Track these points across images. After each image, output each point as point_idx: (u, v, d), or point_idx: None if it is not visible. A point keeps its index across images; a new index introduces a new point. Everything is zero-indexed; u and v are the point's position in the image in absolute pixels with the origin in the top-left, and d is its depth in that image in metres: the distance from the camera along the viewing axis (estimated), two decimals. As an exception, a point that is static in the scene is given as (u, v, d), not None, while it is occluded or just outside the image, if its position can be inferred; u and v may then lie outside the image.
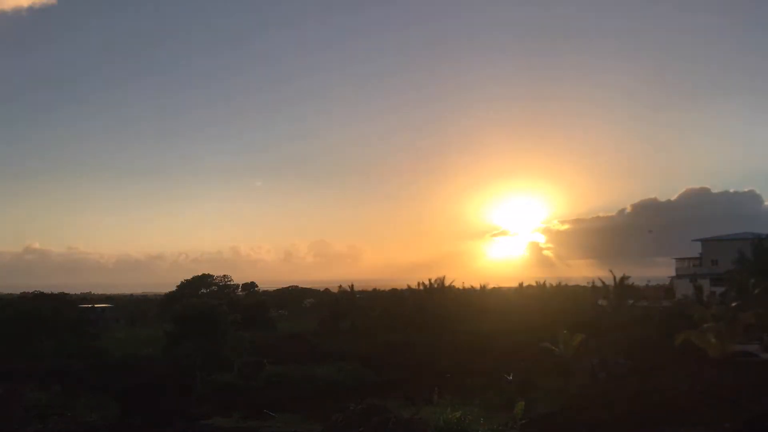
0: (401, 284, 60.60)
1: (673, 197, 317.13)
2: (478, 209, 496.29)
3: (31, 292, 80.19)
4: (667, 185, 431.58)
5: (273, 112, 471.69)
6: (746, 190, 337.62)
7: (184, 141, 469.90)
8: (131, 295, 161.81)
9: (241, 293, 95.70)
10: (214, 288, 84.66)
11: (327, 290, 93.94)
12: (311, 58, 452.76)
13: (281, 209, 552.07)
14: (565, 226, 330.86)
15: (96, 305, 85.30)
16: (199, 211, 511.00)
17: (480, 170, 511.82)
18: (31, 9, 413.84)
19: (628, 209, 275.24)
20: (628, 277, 38.04)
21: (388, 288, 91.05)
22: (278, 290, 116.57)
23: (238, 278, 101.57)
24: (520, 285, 57.20)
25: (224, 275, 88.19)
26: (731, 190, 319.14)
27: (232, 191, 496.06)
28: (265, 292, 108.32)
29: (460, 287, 59.49)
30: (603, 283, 39.09)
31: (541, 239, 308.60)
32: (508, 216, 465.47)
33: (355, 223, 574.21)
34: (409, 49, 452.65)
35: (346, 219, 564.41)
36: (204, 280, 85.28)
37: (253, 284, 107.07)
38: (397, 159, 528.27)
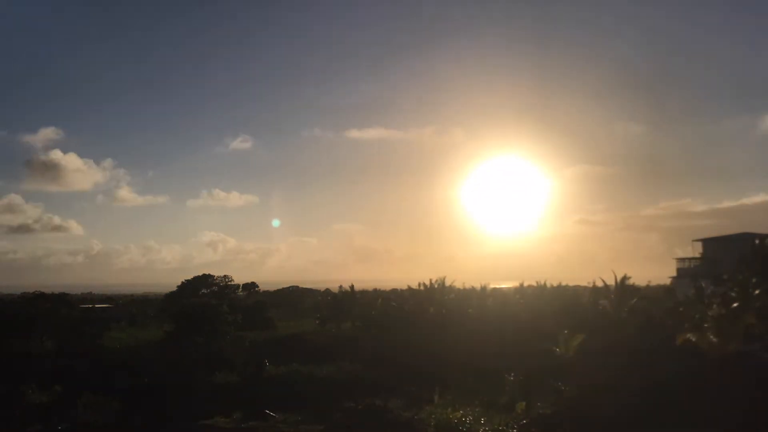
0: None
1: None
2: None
3: (31, 292, 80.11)
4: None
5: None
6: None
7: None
8: (131, 295, 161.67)
9: (241, 293, 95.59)
10: (215, 288, 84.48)
11: (327, 290, 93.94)
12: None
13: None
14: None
15: (96, 305, 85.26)
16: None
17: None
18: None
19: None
20: (629, 277, 37.90)
21: (389, 288, 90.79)
22: (278, 290, 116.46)
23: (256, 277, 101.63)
24: (521, 285, 57.18)
25: (225, 275, 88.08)
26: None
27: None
28: (266, 293, 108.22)
29: (461, 287, 59.45)
30: (604, 283, 38.94)
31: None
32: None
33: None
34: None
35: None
36: (204, 280, 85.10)
37: (253, 284, 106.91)
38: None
